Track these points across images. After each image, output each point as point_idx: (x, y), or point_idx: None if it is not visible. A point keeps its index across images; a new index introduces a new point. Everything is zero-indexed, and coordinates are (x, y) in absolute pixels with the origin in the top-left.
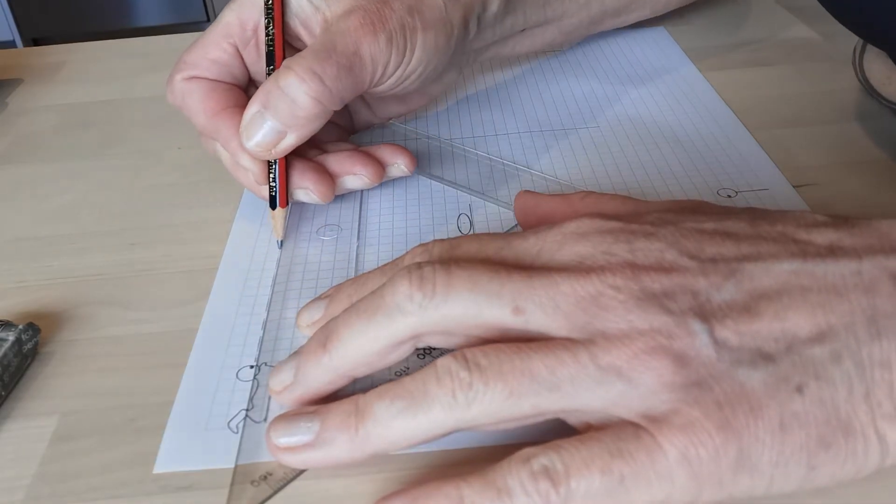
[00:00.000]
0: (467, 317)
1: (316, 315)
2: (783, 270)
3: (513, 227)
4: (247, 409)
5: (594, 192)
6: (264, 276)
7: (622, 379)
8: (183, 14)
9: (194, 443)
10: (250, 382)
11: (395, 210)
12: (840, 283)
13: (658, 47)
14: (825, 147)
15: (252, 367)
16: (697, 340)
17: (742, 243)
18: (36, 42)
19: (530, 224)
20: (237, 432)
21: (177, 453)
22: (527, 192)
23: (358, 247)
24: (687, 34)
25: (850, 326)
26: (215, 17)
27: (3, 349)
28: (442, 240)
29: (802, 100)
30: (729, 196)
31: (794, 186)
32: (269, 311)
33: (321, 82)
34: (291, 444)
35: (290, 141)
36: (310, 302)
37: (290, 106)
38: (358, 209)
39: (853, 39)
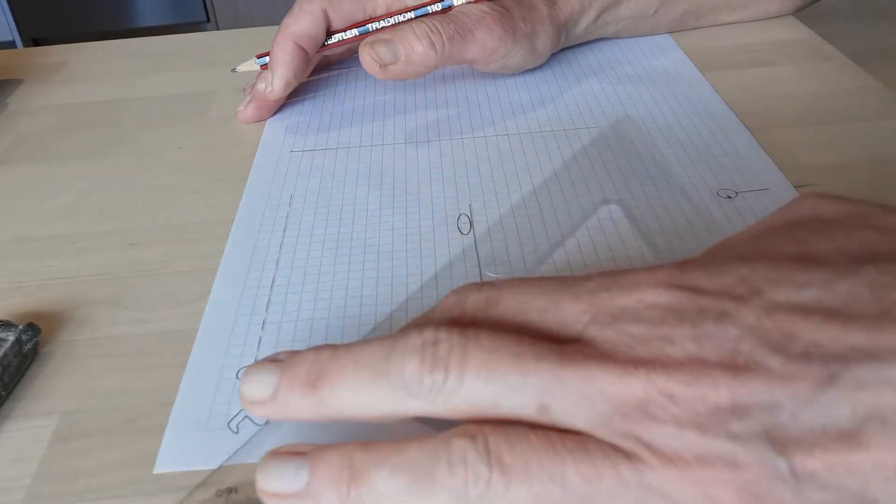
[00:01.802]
0: (483, 408)
1: (264, 392)
2: None
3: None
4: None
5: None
6: (264, 276)
7: None
8: (183, 14)
9: (194, 443)
10: None
11: (396, 210)
12: None
13: (658, 47)
14: (825, 147)
15: None
16: (771, 473)
17: (853, 327)
18: (36, 42)
19: None
20: (237, 432)
21: (177, 453)
22: None
23: (355, 247)
24: (687, 34)
25: None
26: (215, 17)
27: (3, 349)
28: (482, 286)
29: (802, 100)
30: (729, 196)
31: (794, 186)
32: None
33: (441, 36)
34: (279, 491)
35: (400, 69)
36: (257, 365)
37: (414, 43)
38: (357, 208)
39: (853, 39)
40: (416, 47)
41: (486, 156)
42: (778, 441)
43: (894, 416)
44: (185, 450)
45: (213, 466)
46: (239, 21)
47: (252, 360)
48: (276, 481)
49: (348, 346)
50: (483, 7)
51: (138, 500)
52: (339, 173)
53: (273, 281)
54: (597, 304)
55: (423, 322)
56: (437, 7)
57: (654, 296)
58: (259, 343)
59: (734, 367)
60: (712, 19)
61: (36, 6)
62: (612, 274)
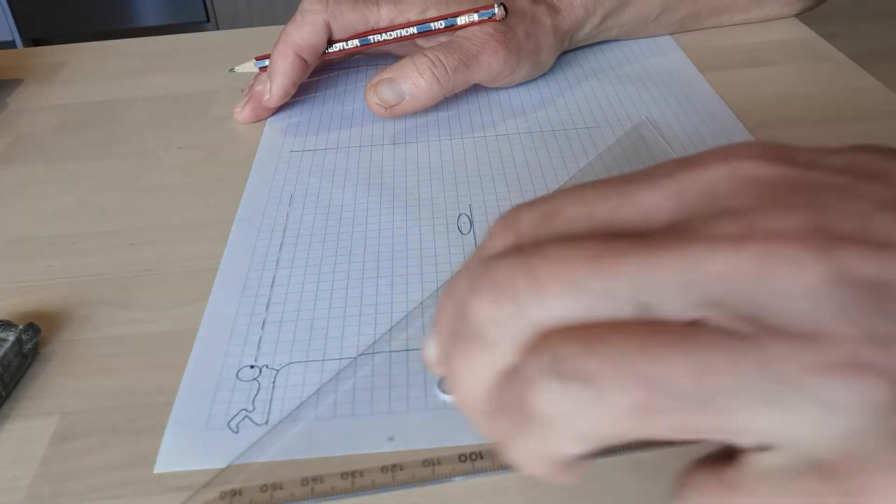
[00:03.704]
0: (576, 318)
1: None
2: None
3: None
4: (248, 411)
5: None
6: (264, 276)
7: (814, 402)
8: (183, 14)
9: (194, 443)
10: (250, 383)
11: (396, 210)
12: None
13: (658, 47)
14: None
15: (252, 367)
16: None
17: None
18: (36, 42)
19: None
20: (237, 432)
21: (177, 453)
22: None
23: (355, 247)
24: (687, 34)
25: None
26: (215, 17)
27: (4, 349)
28: (533, 203)
29: (802, 100)
30: None
31: None
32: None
33: (444, 68)
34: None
35: (406, 106)
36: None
37: (417, 79)
38: (357, 208)
39: (853, 39)
40: (419, 84)
41: (486, 156)
42: None
43: None
44: (185, 450)
45: (213, 466)
46: (239, 21)
47: (252, 360)
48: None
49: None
50: (488, 28)
51: (138, 500)
52: (339, 173)
53: (273, 281)
54: (680, 183)
55: (472, 261)
56: (441, 25)
57: (749, 167)
58: (259, 343)
59: (870, 241)
60: (713, 22)
61: (36, 6)
62: (689, 157)
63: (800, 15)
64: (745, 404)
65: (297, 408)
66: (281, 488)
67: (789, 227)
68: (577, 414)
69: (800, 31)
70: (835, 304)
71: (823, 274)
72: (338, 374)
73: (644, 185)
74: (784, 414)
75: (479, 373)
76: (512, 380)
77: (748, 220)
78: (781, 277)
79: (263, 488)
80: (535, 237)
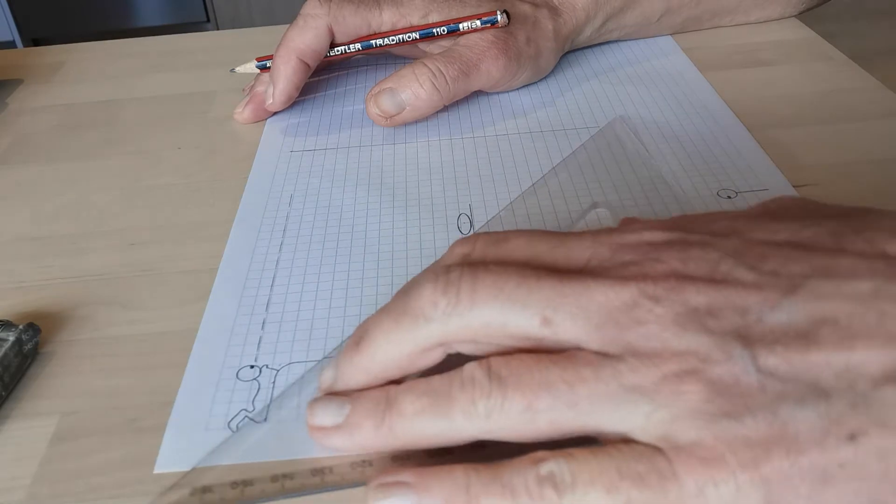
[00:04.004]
0: (493, 326)
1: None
2: (858, 290)
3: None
4: (248, 412)
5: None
6: (264, 276)
7: (646, 401)
8: (183, 14)
9: (194, 443)
10: (250, 383)
11: (395, 210)
12: None
13: (659, 48)
14: (825, 147)
15: (252, 367)
16: (737, 367)
17: (815, 255)
18: (36, 42)
19: None
20: (237, 432)
21: (177, 453)
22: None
23: (355, 247)
24: (688, 35)
25: None
26: (215, 17)
27: (4, 349)
28: (490, 233)
29: (802, 100)
30: (729, 196)
31: (794, 186)
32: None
33: (444, 78)
34: (324, 424)
35: (406, 115)
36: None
37: (417, 90)
38: (357, 208)
39: (853, 39)
40: (419, 94)
41: (486, 156)
42: (745, 338)
43: (845, 321)
44: (185, 450)
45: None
46: (239, 21)
47: (252, 360)
48: (321, 416)
49: (381, 309)
50: (488, 35)
51: (138, 500)
52: (338, 173)
53: (273, 281)
54: (599, 240)
55: (434, 265)
56: (443, 30)
57: (650, 235)
58: (259, 343)
59: (712, 280)
60: (714, 23)
61: (36, 6)
62: (616, 227)
63: (800, 15)
64: (602, 406)
65: (264, 408)
66: (251, 485)
67: (657, 273)
68: (487, 410)
69: (800, 31)
70: (676, 328)
71: (670, 305)
72: (303, 376)
73: (575, 239)
74: (629, 413)
75: (404, 341)
76: (451, 374)
77: (632, 269)
78: (642, 309)
79: (234, 485)
80: (483, 257)
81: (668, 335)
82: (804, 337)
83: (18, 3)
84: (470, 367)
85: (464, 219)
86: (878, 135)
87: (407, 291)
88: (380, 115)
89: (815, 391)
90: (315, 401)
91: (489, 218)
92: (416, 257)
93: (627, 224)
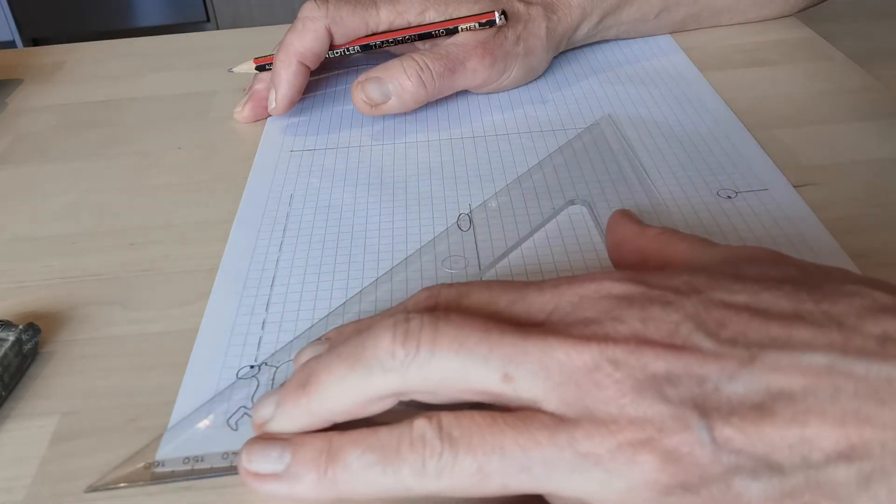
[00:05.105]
0: (452, 380)
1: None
2: (814, 364)
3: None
4: (247, 409)
5: (670, 230)
6: (264, 276)
7: (601, 469)
8: (183, 14)
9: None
10: (250, 380)
11: (396, 210)
12: (885, 389)
13: (658, 47)
14: (825, 147)
15: (252, 366)
16: (692, 437)
17: (772, 323)
18: (36, 42)
19: (614, 244)
20: (236, 429)
21: (176, 453)
22: (619, 211)
23: (355, 247)
24: (687, 34)
25: (889, 444)
26: (215, 17)
27: (3, 349)
28: (452, 285)
29: (802, 100)
30: (729, 196)
31: (794, 186)
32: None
33: (430, 73)
34: (261, 472)
35: (391, 105)
36: (310, 344)
37: (403, 82)
38: (357, 208)
39: (853, 39)
40: (405, 85)
41: (485, 156)
42: (702, 408)
43: (800, 395)
44: (185, 449)
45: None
46: (239, 21)
47: (252, 360)
48: (259, 462)
49: (333, 344)
50: (479, 34)
51: (138, 501)
52: (338, 173)
53: (273, 281)
54: (559, 294)
55: (395, 310)
56: (441, 31)
57: (610, 287)
58: (259, 343)
59: (672, 344)
60: (713, 21)
61: (36, 6)
62: (576, 276)
63: (800, 15)
64: (556, 471)
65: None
66: (202, 461)
67: (618, 335)
68: (437, 471)
69: (800, 31)
70: (634, 394)
71: (629, 371)
72: (259, 364)
73: (536, 291)
74: (584, 480)
75: (358, 388)
76: (400, 428)
77: (594, 328)
78: (601, 372)
79: (185, 461)
80: (447, 307)
81: (626, 401)
82: (760, 409)
83: (18, 3)
84: (421, 425)
85: (464, 218)
86: (878, 135)
87: (364, 338)
88: (365, 102)
89: (769, 465)
90: (252, 444)
91: (489, 217)
92: (416, 257)
93: (583, 274)
